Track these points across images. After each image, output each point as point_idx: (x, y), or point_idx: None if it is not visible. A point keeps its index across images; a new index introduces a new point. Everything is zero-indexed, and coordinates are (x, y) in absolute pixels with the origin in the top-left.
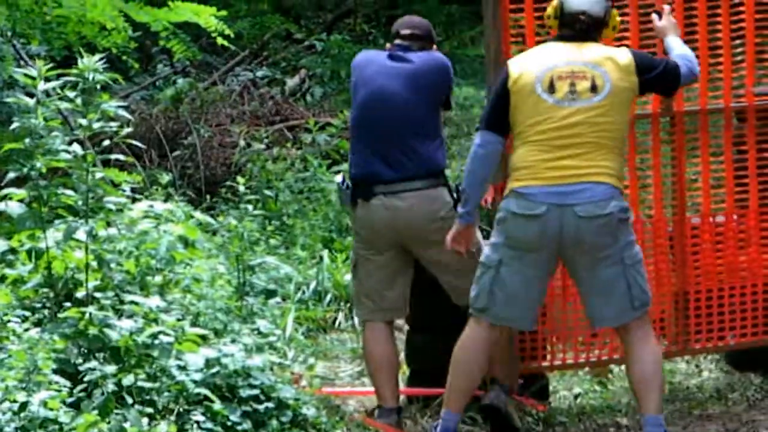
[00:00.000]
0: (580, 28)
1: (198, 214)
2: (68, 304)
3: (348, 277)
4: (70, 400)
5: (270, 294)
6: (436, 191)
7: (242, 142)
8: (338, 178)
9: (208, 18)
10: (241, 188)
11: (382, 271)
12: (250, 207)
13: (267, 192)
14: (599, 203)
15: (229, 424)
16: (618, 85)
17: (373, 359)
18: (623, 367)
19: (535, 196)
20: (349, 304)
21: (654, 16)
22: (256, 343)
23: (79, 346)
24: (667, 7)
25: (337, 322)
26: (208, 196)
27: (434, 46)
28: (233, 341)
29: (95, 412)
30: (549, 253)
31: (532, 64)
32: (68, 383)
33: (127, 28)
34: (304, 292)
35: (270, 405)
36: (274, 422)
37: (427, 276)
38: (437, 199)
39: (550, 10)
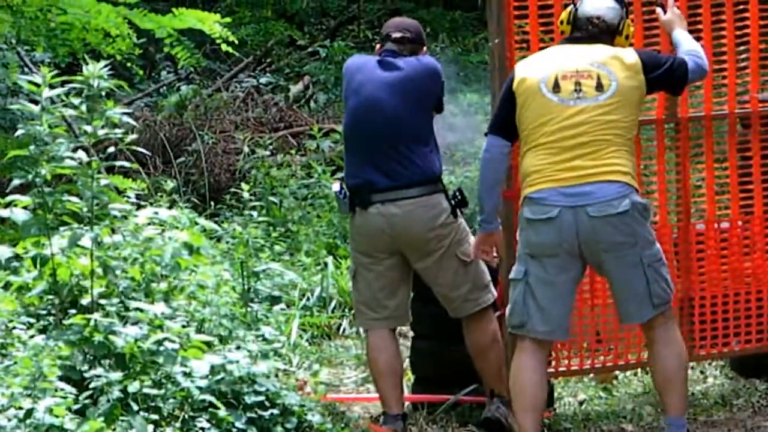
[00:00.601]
0: (591, 31)
1: (202, 221)
2: (73, 310)
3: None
4: (75, 407)
5: (274, 300)
6: (432, 198)
7: (246, 149)
8: (335, 186)
9: (212, 25)
10: (246, 195)
11: (381, 281)
12: (254, 213)
13: (271, 198)
14: (612, 202)
15: (234, 430)
16: (624, 84)
17: (377, 366)
18: (628, 373)
19: (547, 199)
20: (353, 311)
21: (658, 10)
22: (261, 349)
23: (85, 353)
24: (671, 0)
25: (341, 329)
26: (212, 203)
27: (424, 48)
28: (238, 348)
29: (101, 418)
30: (570, 257)
31: (537, 66)
32: (74, 390)
33: (132, 35)
34: (308, 299)
35: (275, 411)
36: (279, 429)
37: None
38: (434, 206)
39: (563, 15)
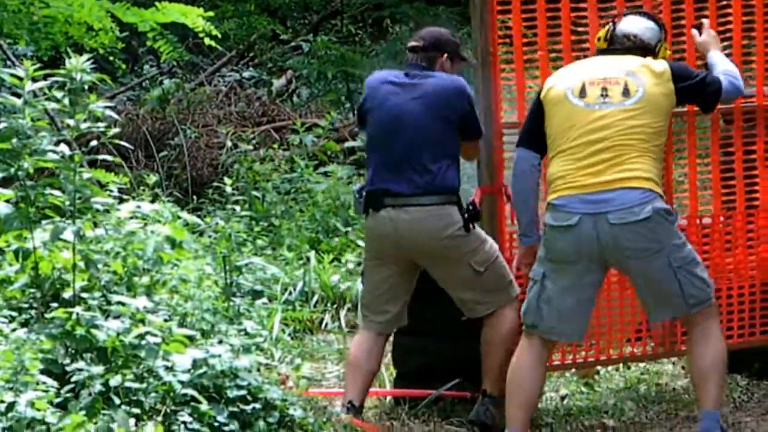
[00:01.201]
0: (626, 45)
1: (185, 215)
2: (55, 304)
3: (335, 278)
4: (57, 400)
5: (257, 295)
6: (444, 209)
7: (229, 143)
8: (356, 186)
9: (195, 18)
10: (228, 189)
11: (385, 284)
12: (237, 208)
13: (254, 193)
14: (633, 209)
15: (216, 424)
16: (651, 90)
17: (354, 361)
18: (609, 368)
19: (567, 206)
20: (335, 306)
21: (694, 31)
22: (243, 343)
23: (66, 347)
24: (706, 21)
25: (323, 323)
26: (194, 197)
27: (444, 56)
28: (220, 342)
29: (82, 412)
30: (590, 263)
31: (566, 75)
32: (55, 384)
33: (114, 29)
34: (290, 293)
35: (257, 406)
36: (261, 423)
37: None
38: (444, 217)
39: (601, 33)
